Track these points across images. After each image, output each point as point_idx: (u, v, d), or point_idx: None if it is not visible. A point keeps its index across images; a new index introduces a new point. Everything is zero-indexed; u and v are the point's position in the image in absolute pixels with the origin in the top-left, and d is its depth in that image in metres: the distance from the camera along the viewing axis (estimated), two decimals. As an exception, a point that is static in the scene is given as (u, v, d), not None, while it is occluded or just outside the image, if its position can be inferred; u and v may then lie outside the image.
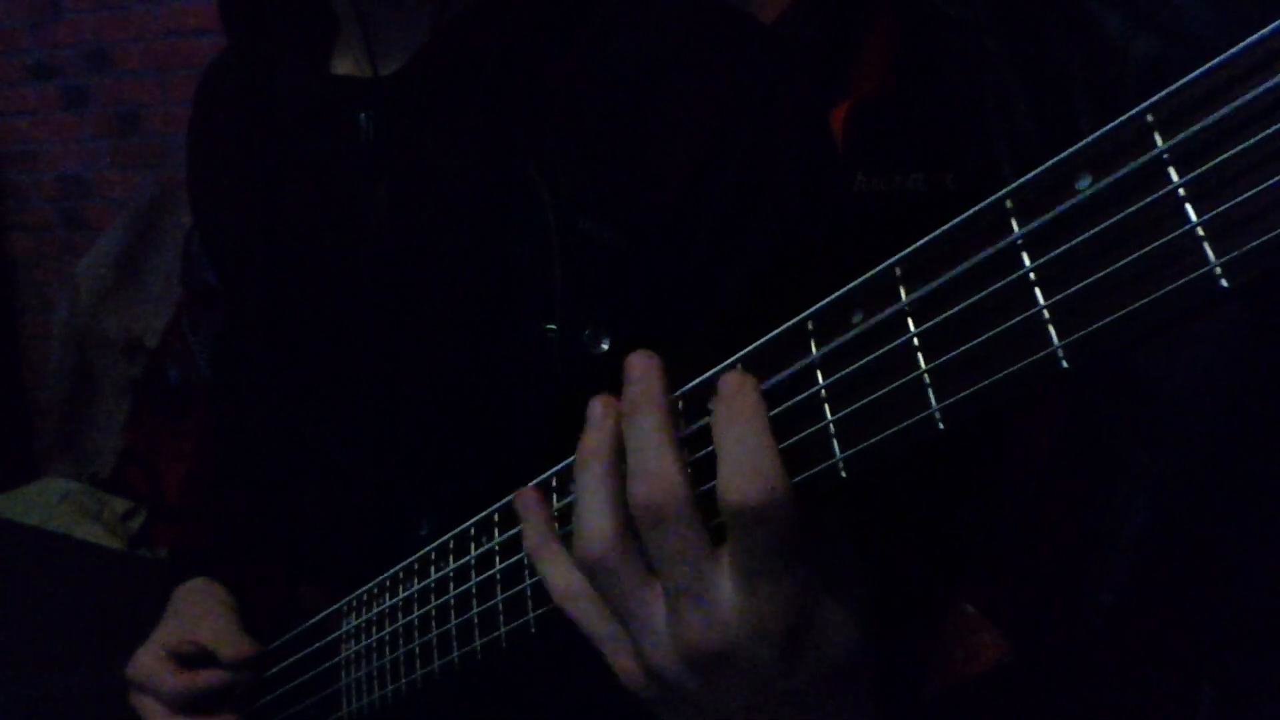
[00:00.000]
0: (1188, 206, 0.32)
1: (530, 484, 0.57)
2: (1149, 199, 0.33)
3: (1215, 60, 0.32)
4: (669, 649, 0.48)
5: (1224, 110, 0.31)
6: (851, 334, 0.43)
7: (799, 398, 0.44)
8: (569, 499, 0.54)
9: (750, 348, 0.47)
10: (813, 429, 0.44)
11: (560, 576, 0.52)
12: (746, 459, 0.44)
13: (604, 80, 0.72)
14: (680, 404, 0.50)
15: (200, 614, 0.89)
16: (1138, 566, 0.64)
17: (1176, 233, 0.33)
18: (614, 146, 0.70)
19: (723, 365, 0.48)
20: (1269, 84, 0.30)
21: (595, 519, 0.49)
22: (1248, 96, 0.31)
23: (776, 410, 0.45)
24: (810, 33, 0.86)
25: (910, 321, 0.40)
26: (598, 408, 0.50)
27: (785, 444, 0.44)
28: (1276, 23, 0.30)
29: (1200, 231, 0.32)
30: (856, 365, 0.42)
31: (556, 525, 0.55)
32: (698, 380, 0.49)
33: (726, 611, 0.46)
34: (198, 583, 0.94)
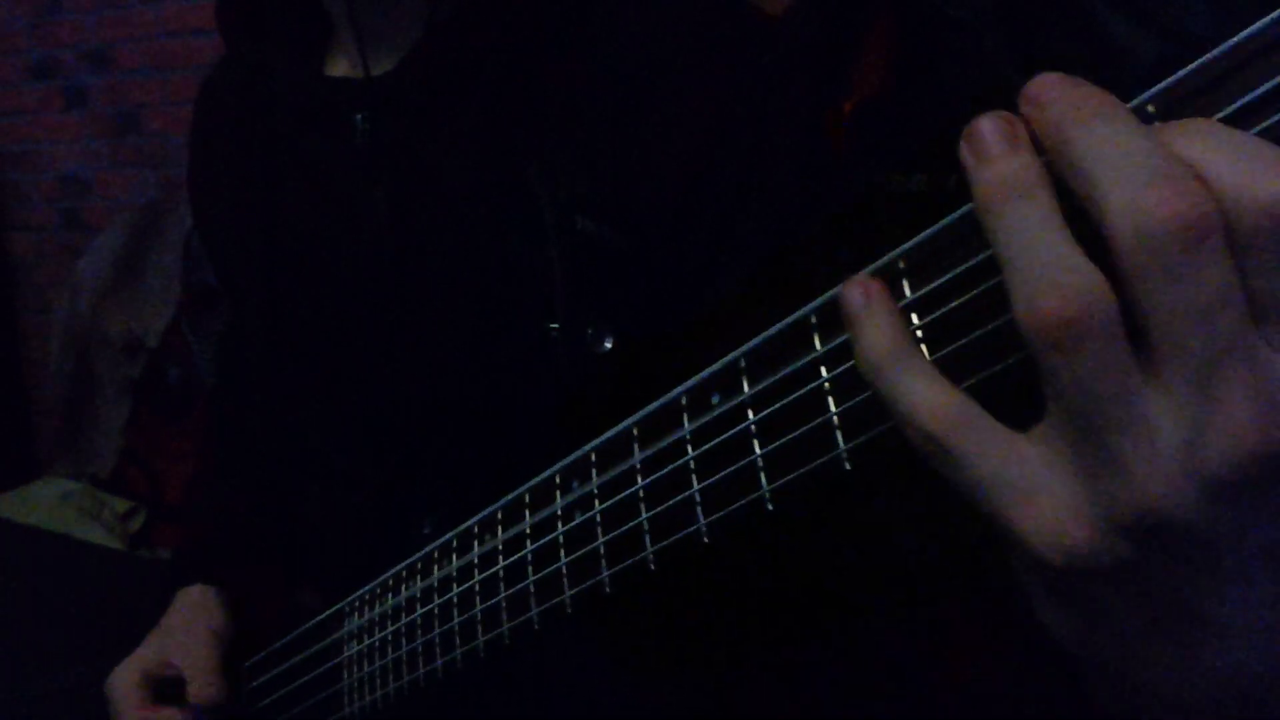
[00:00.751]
0: None
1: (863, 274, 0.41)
2: None
3: (1212, 52, 0.31)
4: (1185, 468, 0.31)
5: (1225, 105, 0.31)
6: None
7: (790, 398, 0.44)
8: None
9: (748, 345, 0.47)
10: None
11: (934, 393, 0.36)
12: (1259, 156, 0.30)
13: (601, 78, 0.72)
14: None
15: (184, 638, 0.90)
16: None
17: None
18: (612, 145, 0.71)
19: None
20: (1267, 79, 0.30)
21: (1072, 263, 0.32)
22: (1248, 91, 0.31)
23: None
24: (811, 32, 0.86)
25: (914, 316, 0.40)
26: (999, 124, 0.34)
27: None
28: (1266, 18, 0.30)
29: None
30: None
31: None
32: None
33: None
34: (195, 594, 0.94)
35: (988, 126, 0.34)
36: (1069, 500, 0.33)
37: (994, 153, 0.34)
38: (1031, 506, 0.34)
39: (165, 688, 0.88)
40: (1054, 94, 0.33)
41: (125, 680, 0.88)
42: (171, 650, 0.89)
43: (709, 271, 0.70)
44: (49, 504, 2.76)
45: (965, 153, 0.35)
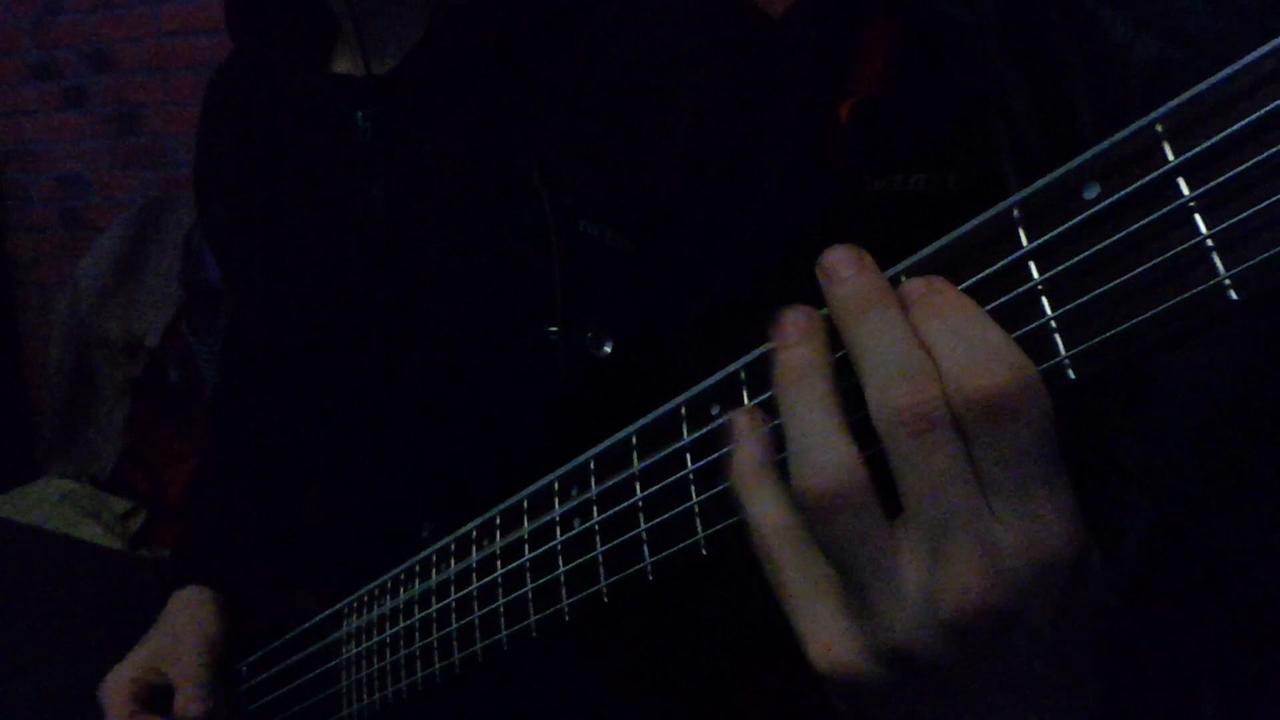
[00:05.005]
0: (1197, 218, 0.32)
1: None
2: (1159, 210, 0.33)
3: (1226, 70, 0.31)
4: (924, 613, 0.37)
5: (1235, 121, 0.31)
6: None
7: None
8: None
9: (750, 356, 0.47)
10: None
11: (777, 511, 0.41)
12: (981, 347, 0.36)
13: (602, 80, 0.72)
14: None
15: (178, 644, 0.89)
16: (1140, 568, 0.64)
17: (1186, 244, 0.32)
18: (612, 147, 0.71)
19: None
20: (1272, 100, 0.30)
21: (831, 445, 0.38)
22: (1259, 108, 0.31)
23: None
24: (810, 32, 0.86)
25: None
26: (800, 316, 0.41)
27: None
28: (1274, 41, 0.30)
29: (1210, 243, 0.32)
30: None
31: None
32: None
33: (1008, 551, 0.36)
34: (191, 596, 0.93)
35: (789, 316, 0.41)
36: (836, 629, 0.39)
37: (788, 340, 0.40)
38: (813, 624, 0.40)
39: (155, 695, 0.88)
40: (842, 274, 0.40)
41: (115, 687, 0.88)
42: (163, 657, 0.89)
43: (710, 273, 0.70)
44: (49, 504, 2.75)
45: (772, 336, 0.42)
